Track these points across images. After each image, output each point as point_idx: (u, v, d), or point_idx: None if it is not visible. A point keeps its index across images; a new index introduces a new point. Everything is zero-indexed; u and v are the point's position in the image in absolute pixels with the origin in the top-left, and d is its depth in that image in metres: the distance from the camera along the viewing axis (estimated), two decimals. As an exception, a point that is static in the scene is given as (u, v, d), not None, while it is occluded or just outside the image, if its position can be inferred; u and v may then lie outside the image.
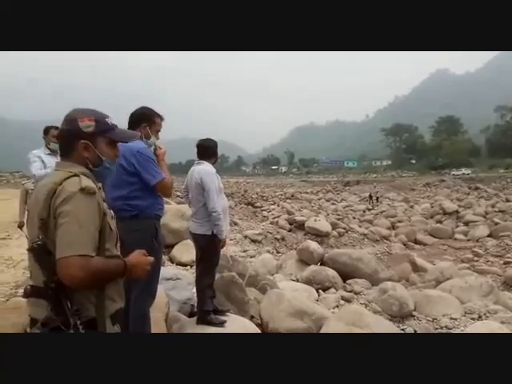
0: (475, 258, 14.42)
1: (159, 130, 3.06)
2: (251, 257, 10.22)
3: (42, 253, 1.37)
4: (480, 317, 5.75)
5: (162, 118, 3.05)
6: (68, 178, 1.44)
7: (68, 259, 1.32)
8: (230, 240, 12.29)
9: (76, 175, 1.45)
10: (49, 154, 4.22)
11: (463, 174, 52.63)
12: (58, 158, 1.65)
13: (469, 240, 18.60)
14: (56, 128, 4.01)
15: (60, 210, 1.37)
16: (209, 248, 3.48)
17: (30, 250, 1.38)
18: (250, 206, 26.28)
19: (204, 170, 3.53)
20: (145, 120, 2.94)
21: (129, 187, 2.75)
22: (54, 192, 1.40)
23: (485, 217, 23.15)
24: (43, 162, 4.20)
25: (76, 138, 1.54)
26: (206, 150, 3.74)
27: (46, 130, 4.35)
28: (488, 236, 18.36)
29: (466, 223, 22.17)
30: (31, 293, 1.43)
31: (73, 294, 1.39)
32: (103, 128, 1.59)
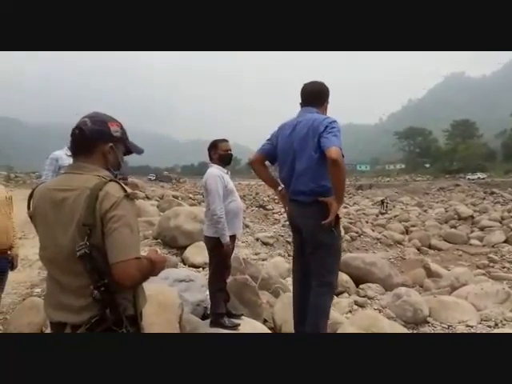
0: (491, 264, 14.19)
1: None
2: (263, 260, 10.20)
3: (91, 258, 1.37)
4: (496, 324, 5.65)
5: None
6: (105, 183, 1.43)
7: (128, 262, 1.37)
8: (242, 242, 12.29)
9: (113, 181, 1.46)
10: (70, 155, 4.18)
11: (478, 178, 51.69)
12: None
13: (484, 246, 18.37)
14: None
15: (111, 215, 1.38)
16: (217, 250, 3.47)
17: (82, 256, 1.36)
18: (261, 209, 26.31)
19: (209, 172, 3.55)
20: (327, 96, 2.85)
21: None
22: (97, 197, 1.39)
23: (501, 222, 22.82)
24: (58, 162, 4.19)
25: (105, 139, 1.54)
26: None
27: None
28: (504, 242, 18.13)
29: (482, 228, 21.88)
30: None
31: (117, 295, 1.43)
32: (125, 136, 1.62)
